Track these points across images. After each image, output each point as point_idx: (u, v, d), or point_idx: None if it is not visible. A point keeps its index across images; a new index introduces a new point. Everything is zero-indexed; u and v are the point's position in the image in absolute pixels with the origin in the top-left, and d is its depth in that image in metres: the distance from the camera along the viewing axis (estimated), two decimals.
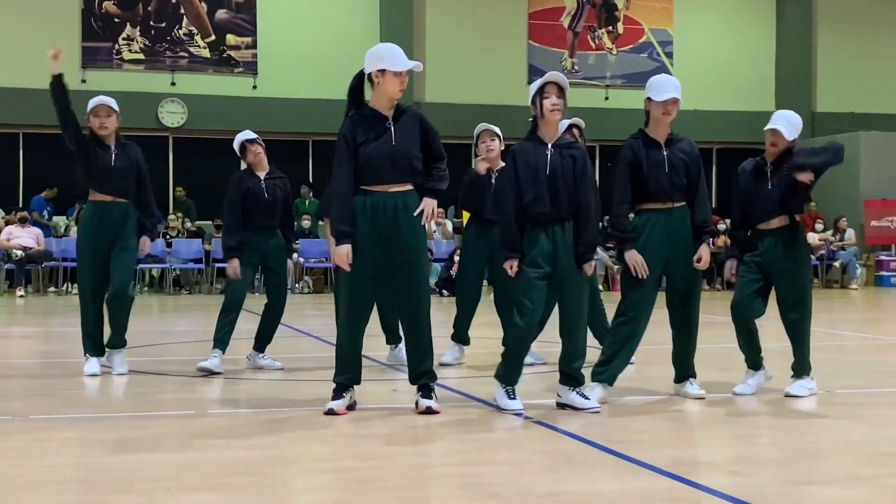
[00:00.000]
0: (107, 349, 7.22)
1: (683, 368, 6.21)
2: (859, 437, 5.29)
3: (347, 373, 5.64)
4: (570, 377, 5.70)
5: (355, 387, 5.72)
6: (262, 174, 7.56)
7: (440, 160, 5.69)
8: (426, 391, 5.67)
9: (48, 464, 4.54)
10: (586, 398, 5.70)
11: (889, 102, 23.99)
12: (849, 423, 5.72)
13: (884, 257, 20.88)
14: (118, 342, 7.18)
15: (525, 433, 5.26)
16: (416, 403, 5.66)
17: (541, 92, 5.74)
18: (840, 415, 5.93)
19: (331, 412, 5.54)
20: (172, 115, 20.37)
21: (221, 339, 7.30)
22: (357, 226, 5.51)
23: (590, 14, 22.72)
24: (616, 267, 19.30)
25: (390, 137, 5.55)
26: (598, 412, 5.62)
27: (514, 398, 5.69)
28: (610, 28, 22.84)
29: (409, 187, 5.62)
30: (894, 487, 4.15)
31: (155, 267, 18.41)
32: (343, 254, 5.48)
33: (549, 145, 5.75)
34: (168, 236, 18.44)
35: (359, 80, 5.71)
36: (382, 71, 5.55)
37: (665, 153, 6.03)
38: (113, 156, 7.12)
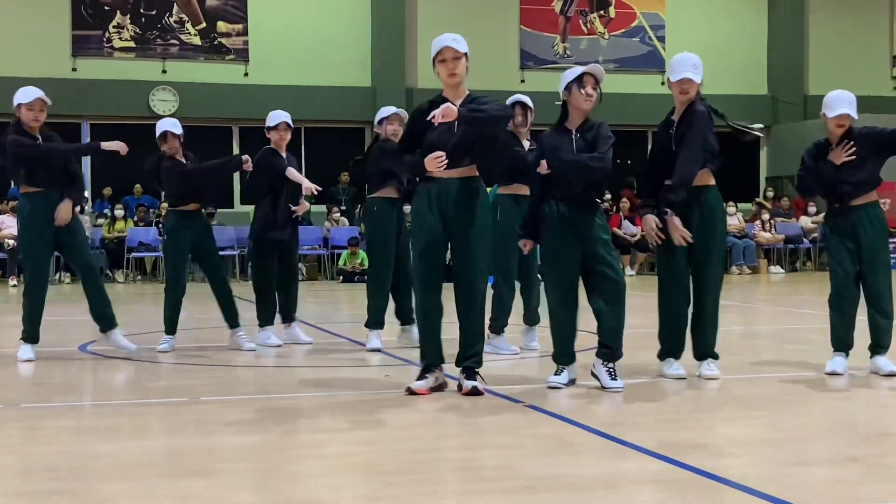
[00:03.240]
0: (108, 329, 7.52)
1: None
2: (852, 417, 5.31)
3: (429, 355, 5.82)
4: (608, 350, 5.87)
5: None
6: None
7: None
8: (471, 373, 5.75)
9: (41, 451, 4.53)
10: (615, 378, 5.83)
11: (881, 85, 23.98)
12: (842, 403, 5.73)
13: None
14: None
15: (518, 417, 5.26)
16: (460, 385, 5.74)
17: (579, 80, 5.84)
18: (834, 396, 5.94)
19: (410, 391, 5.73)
20: (164, 103, 20.27)
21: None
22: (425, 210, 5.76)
23: None
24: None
25: (453, 125, 5.72)
26: (621, 390, 5.77)
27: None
28: (602, 12, 22.78)
29: (472, 173, 5.77)
30: (886, 467, 4.16)
31: (148, 255, 18.37)
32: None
33: (574, 131, 5.91)
34: (161, 225, 18.39)
35: None
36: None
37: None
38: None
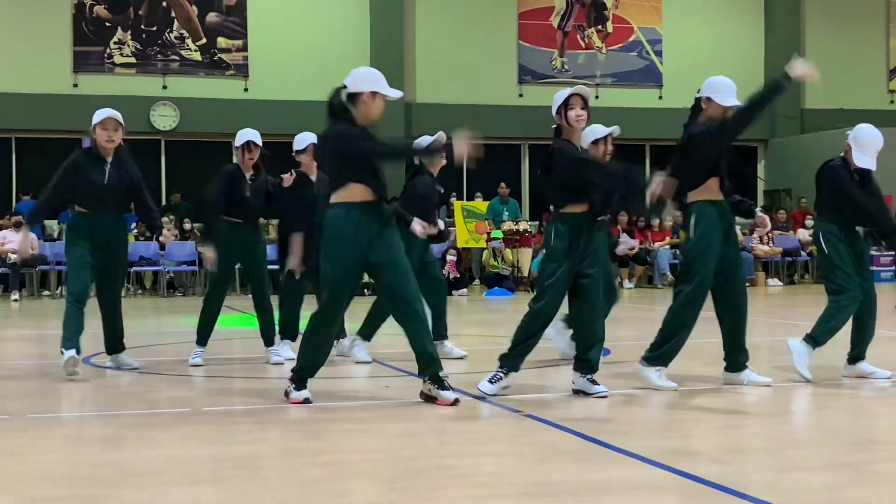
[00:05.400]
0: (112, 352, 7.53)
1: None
2: (843, 425, 5.41)
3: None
4: (585, 364, 6.05)
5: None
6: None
7: None
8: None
9: (48, 460, 4.62)
10: (595, 384, 6.03)
11: (877, 99, 24.15)
12: (833, 412, 5.83)
13: (874, 252, 21.01)
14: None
15: (516, 426, 5.36)
16: (428, 396, 5.83)
17: (566, 104, 6.05)
18: (825, 405, 6.04)
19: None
20: (164, 119, 20.44)
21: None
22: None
23: (579, 13, 22.84)
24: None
25: None
26: (605, 396, 5.96)
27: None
28: (599, 27, 22.96)
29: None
30: (874, 473, 4.26)
31: (148, 269, 18.47)
32: None
33: (580, 149, 6.16)
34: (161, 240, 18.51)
35: (338, 96, 5.89)
36: (374, 94, 5.81)
37: None
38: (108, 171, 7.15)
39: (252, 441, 5.03)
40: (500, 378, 6.06)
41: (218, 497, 3.91)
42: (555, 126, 6.16)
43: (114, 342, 7.47)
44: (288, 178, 7.78)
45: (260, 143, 7.76)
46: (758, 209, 6.58)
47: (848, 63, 23.91)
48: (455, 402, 5.73)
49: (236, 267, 8.09)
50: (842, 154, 6.73)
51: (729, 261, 6.29)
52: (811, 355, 6.54)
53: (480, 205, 19.35)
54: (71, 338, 6.89)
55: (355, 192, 5.73)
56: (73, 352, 6.83)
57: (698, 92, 6.47)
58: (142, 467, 4.42)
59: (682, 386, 6.32)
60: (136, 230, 18.60)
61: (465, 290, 17.55)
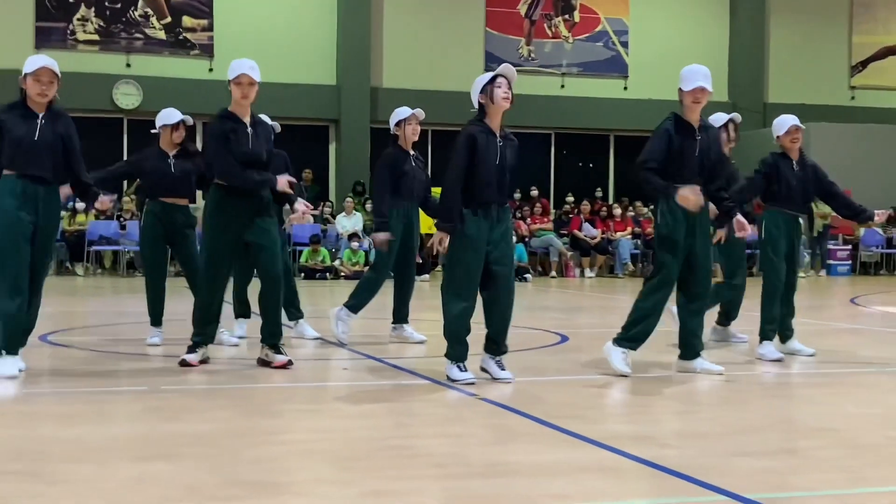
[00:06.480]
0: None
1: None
2: (791, 414, 5.52)
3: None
4: (495, 345, 6.12)
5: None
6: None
7: None
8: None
9: (4, 434, 4.61)
10: (503, 368, 6.11)
11: (839, 95, 24.43)
12: (783, 401, 5.95)
13: (831, 246, 21.28)
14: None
15: (471, 409, 5.42)
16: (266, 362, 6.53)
17: (492, 82, 5.98)
18: (776, 394, 6.16)
19: None
20: (127, 97, 20.25)
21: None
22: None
23: (547, 2, 22.88)
24: (570, 253, 19.57)
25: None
26: (511, 382, 6.04)
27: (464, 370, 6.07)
28: (566, 16, 23.03)
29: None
30: (819, 459, 4.36)
31: (108, 249, 18.34)
32: None
33: (498, 136, 6.04)
34: (122, 219, 18.36)
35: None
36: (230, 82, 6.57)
37: (698, 137, 6.44)
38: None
39: (208, 420, 5.04)
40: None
41: (172, 473, 3.93)
42: (477, 108, 6.07)
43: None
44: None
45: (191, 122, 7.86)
46: (738, 214, 6.66)
47: (811, 59, 24.18)
48: (288, 364, 6.44)
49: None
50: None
51: (695, 252, 6.39)
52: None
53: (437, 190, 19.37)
54: None
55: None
56: None
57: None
58: (96, 443, 4.43)
59: (637, 373, 6.41)
60: (80, 208, 17.90)
61: (426, 275, 17.59)
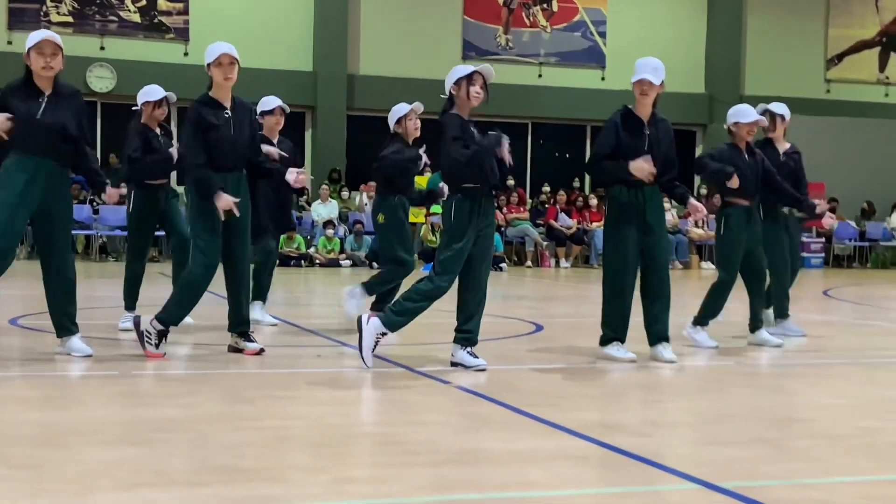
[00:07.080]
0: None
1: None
2: (763, 403, 5.54)
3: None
4: (465, 336, 6.12)
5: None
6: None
7: None
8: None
9: None
10: (475, 356, 6.10)
11: (815, 88, 24.56)
12: (755, 391, 5.98)
13: (805, 239, 21.42)
14: None
15: (446, 397, 5.41)
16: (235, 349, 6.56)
17: (469, 78, 6.00)
18: (748, 384, 6.19)
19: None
20: (101, 80, 20.07)
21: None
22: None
23: None
24: (545, 243, 19.59)
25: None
26: (484, 369, 6.03)
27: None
28: (544, 6, 23.00)
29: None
30: (791, 448, 4.38)
31: (81, 233, 18.19)
32: None
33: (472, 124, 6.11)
34: (95, 203, 18.22)
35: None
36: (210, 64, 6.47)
37: (647, 132, 6.46)
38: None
39: (181, 405, 5.00)
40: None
41: (144, 458, 3.90)
42: (448, 95, 6.08)
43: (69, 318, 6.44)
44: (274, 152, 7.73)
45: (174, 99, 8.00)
46: (691, 198, 6.66)
47: (788, 51, 24.28)
48: (261, 352, 6.44)
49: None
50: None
51: (647, 245, 6.42)
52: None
53: (421, 179, 19.33)
54: None
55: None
56: None
57: None
58: (67, 428, 4.38)
59: (609, 363, 6.42)
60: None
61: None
